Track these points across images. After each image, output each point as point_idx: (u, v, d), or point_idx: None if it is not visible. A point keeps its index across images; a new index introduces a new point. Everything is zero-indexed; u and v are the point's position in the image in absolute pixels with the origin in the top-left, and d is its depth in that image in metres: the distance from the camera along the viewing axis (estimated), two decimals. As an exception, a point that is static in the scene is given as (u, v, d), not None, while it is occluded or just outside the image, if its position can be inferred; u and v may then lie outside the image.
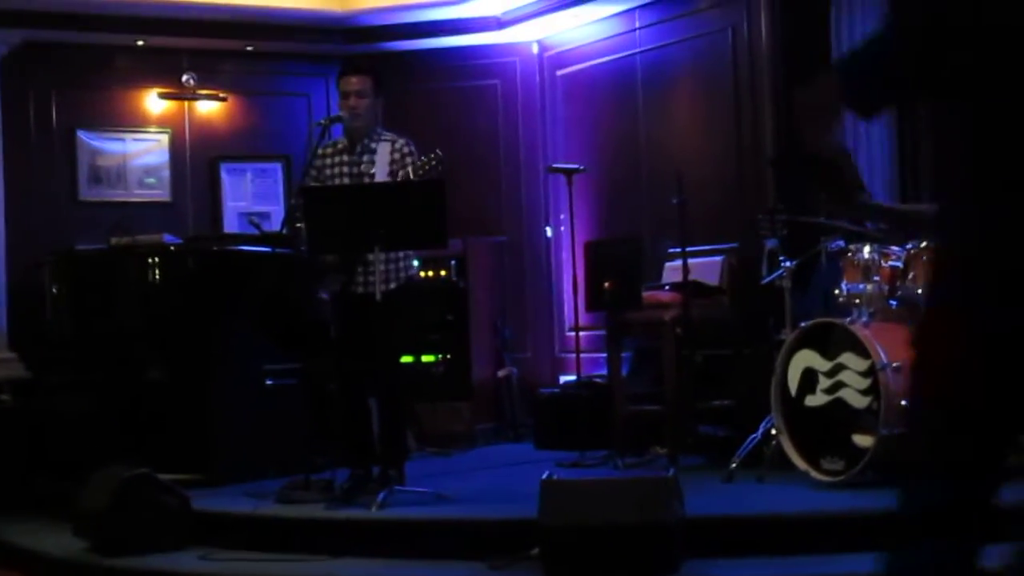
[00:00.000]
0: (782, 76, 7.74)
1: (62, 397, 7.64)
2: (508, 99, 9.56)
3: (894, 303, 5.86)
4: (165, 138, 9.29)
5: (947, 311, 2.54)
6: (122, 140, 9.20)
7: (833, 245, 6.08)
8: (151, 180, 9.25)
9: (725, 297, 7.12)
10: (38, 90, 8.95)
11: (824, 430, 5.71)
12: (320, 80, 9.46)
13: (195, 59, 9.33)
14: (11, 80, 8.74)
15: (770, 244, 6.60)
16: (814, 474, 5.70)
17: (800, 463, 5.76)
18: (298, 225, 6.21)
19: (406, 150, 6.20)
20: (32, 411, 7.75)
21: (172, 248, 7.24)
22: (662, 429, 6.82)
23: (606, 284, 6.89)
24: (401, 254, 6.23)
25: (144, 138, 9.26)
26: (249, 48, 9.40)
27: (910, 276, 5.74)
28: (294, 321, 6.89)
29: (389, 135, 6.34)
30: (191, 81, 9.31)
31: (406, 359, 8.07)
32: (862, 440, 5.52)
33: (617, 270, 6.94)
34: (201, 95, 9.36)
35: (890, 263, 5.85)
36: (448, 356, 8.66)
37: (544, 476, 4.96)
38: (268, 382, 7.33)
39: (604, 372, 7.66)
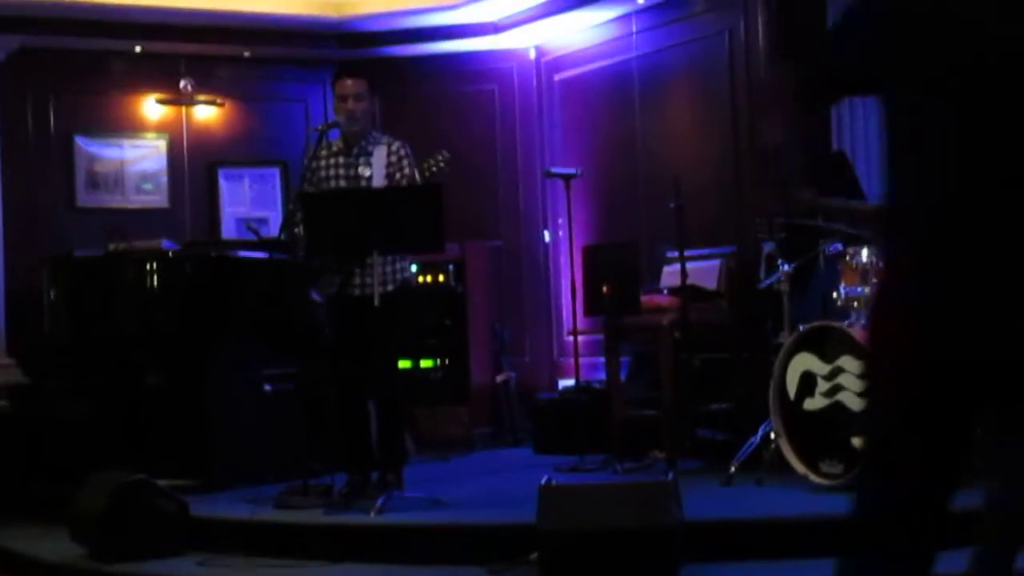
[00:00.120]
0: (779, 79, 7.74)
1: (60, 402, 7.63)
2: (505, 104, 9.56)
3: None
4: (163, 143, 9.29)
5: (901, 311, 2.51)
6: (120, 146, 9.20)
7: (831, 248, 6.08)
8: (148, 186, 9.24)
9: (723, 301, 7.11)
10: (36, 95, 8.95)
11: (823, 433, 5.71)
12: (317, 85, 9.45)
13: (192, 65, 9.33)
14: (9, 85, 8.74)
15: (768, 247, 6.59)
16: (813, 477, 5.69)
17: (799, 466, 5.76)
18: (296, 230, 6.21)
19: (402, 152, 6.21)
20: (30, 416, 7.74)
21: (170, 254, 7.23)
22: (661, 433, 6.82)
23: (604, 288, 6.89)
24: (397, 256, 6.23)
25: (141, 144, 9.26)
26: (246, 54, 9.40)
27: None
28: (292, 326, 6.88)
29: (384, 137, 6.35)
30: (188, 87, 9.30)
31: (404, 364, 8.07)
32: (861, 443, 5.52)
33: (615, 274, 6.94)
34: (198, 101, 9.36)
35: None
36: (446, 361, 8.66)
37: (543, 481, 4.96)
38: (266, 387, 7.33)
39: (602, 376, 7.66)
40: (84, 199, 9.05)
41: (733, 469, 6.04)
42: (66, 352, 7.48)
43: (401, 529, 5.59)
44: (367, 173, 6.18)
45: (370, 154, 6.22)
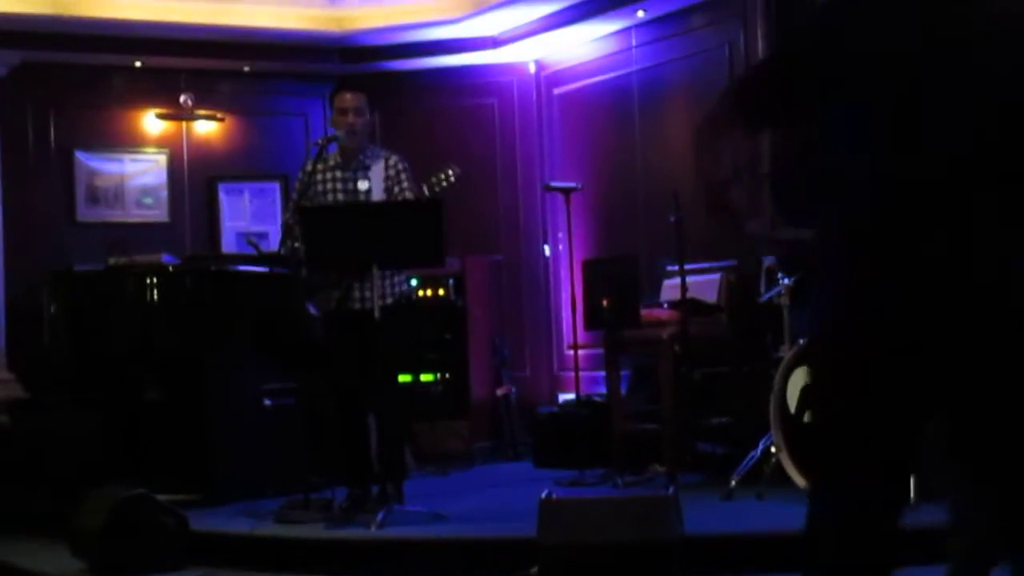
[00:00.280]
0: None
1: (60, 417, 7.62)
2: (505, 118, 9.58)
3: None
4: (163, 158, 9.30)
5: (839, 329, 2.52)
6: (120, 160, 9.22)
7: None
8: (149, 200, 9.26)
9: (723, 315, 7.10)
10: (36, 110, 8.97)
11: (823, 447, 5.70)
12: (317, 100, 9.47)
13: (192, 79, 9.35)
14: (9, 100, 8.76)
15: (768, 261, 6.60)
16: (813, 491, 5.68)
17: (800, 480, 5.75)
18: (296, 245, 6.20)
19: (400, 167, 6.22)
20: (30, 431, 7.72)
21: (170, 268, 7.22)
22: (661, 447, 6.81)
23: (604, 302, 6.89)
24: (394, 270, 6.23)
25: (142, 158, 9.27)
26: (246, 68, 9.42)
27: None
28: (292, 340, 6.88)
29: (382, 152, 6.36)
30: (189, 101, 9.32)
31: (404, 378, 8.06)
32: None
33: (615, 288, 6.94)
34: (198, 115, 9.38)
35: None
36: (446, 375, 8.66)
37: (543, 495, 4.95)
38: (266, 402, 7.32)
39: (603, 390, 7.66)
40: (84, 213, 9.07)
41: (734, 483, 6.04)
42: (66, 367, 7.48)
43: (402, 543, 5.58)
44: (366, 187, 6.18)
45: (368, 168, 6.23)
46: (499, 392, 8.73)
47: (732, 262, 7.50)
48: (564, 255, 8.35)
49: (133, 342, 7.02)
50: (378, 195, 6.14)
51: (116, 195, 9.16)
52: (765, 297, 6.47)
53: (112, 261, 7.42)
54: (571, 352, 8.14)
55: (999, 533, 2.50)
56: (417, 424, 8.23)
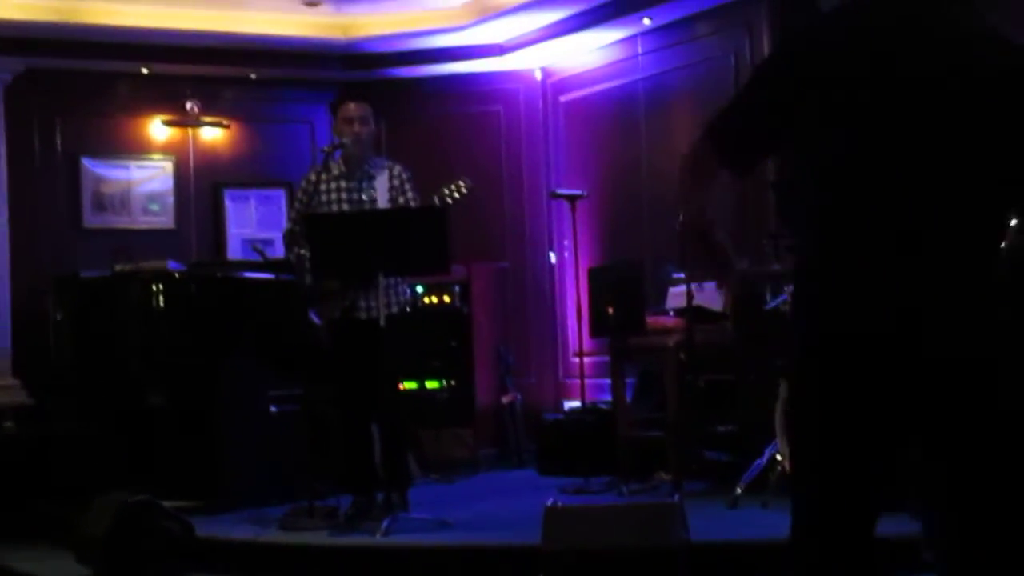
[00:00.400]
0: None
1: (65, 423, 7.64)
2: (511, 125, 9.58)
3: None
4: (169, 165, 9.31)
5: (812, 356, 2.51)
6: (126, 167, 9.23)
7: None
8: (155, 207, 9.27)
9: (729, 322, 7.10)
10: (42, 117, 8.99)
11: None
12: (322, 107, 9.41)
13: (198, 86, 9.36)
14: (15, 107, 8.77)
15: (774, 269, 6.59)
16: (819, 500, 5.67)
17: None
18: (302, 252, 6.18)
19: (404, 176, 6.22)
20: (35, 437, 7.74)
21: (176, 275, 7.24)
22: (666, 454, 6.80)
23: (609, 309, 6.89)
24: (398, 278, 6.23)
25: (148, 165, 9.28)
26: (252, 75, 9.43)
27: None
28: (297, 347, 6.88)
29: (386, 162, 6.37)
30: (194, 108, 9.34)
31: (410, 385, 8.07)
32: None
33: (620, 295, 6.94)
34: (204, 122, 9.39)
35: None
36: (451, 382, 8.66)
37: (548, 502, 4.95)
38: (272, 409, 7.33)
39: (608, 398, 7.65)
40: (90, 220, 9.08)
41: (739, 491, 6.03)
42: (71, 373, 7.49)
43: (407, 550, 5.58)
44: (371, 197, 6.19)
45: (373, 178, 6.23)
46: (504, 399, 8.73)
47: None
48: (570, 262, 8.35)
49: (138, 348, 7.04)
50: (383, 205, 6.14)
51: (122, 202, 9.17)
52: (771, 305, 6.47)
53: (118, 268, 7.44)
54: (576, 359, 8.13)
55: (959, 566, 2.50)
56: (422, 431, 8.23)
